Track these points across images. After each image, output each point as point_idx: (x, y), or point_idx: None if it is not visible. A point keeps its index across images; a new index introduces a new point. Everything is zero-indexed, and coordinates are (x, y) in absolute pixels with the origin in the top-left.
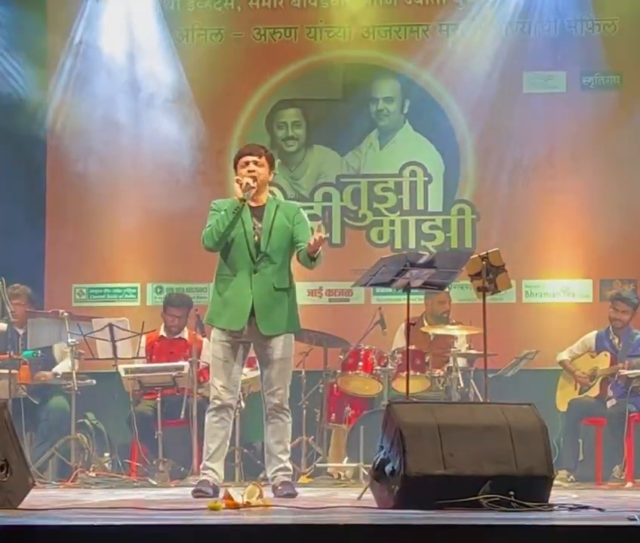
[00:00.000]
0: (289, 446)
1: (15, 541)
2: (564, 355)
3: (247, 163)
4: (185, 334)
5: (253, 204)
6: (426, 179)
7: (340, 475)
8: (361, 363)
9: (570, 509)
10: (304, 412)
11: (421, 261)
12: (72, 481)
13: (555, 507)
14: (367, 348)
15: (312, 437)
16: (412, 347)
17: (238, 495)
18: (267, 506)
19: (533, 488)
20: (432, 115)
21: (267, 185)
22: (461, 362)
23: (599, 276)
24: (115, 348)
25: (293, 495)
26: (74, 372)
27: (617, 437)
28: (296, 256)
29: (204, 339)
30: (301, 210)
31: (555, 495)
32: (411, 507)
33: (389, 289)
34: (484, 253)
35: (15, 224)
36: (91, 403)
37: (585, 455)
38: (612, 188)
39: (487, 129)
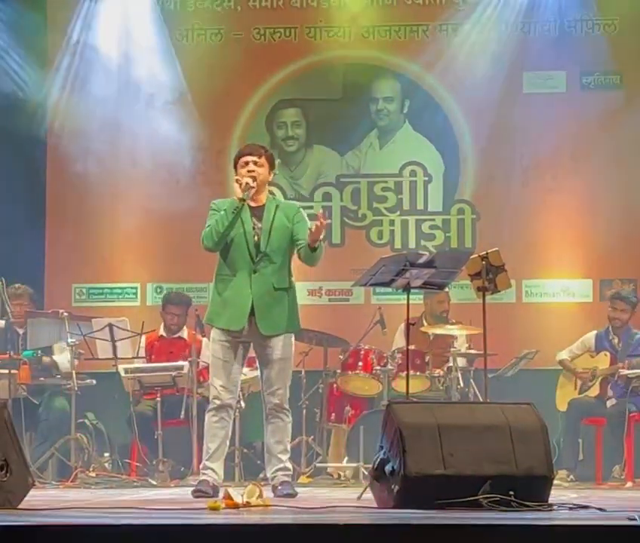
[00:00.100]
0: (289, 446)
1: (15, 541)
2: (563, 355)
3: (246, 163)
4: (184, 334)
5: (252, 204)
6: (426, 178)
7: (339, 475)
8: (360, 363)
9: (570, 509)
10: (304, 411)
11: (421, 261)
12: (72, 481)
13: (555, 507)
14: (367, 347)
15: (312, 437)
16: (412, 347)
17: (238, 495)
18: (267, 506)
19: (533, 488)
20: (432, 115)
21: (267, 185)
22: (461, 362)
23: (599, 276)
24: (115, 347)
25: (293, 494)
26: (74, 371)
27: (617, 437)
28: (297, 254)
29: (204, 339)
30: (301, 209)
31: (555, 495)
32: (411, 507)
33: (389, 289)
34: (484, 252)
35: (15, 224)
36: (91, 403)
37: (585, 454)
38: (612, 188)
39: (487, 129)
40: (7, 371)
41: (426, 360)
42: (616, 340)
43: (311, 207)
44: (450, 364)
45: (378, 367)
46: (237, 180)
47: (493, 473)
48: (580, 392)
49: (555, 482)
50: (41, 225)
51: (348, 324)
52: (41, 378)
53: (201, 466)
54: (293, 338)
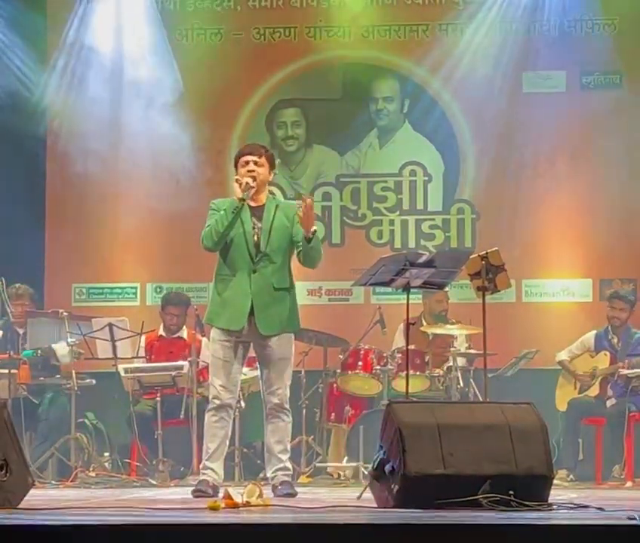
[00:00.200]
0: (289, 446)
1: (15, 541)
2: (563, 355)
3: (247, 162)
4: (184, 334)
5: (252, 204)
6: (426, 178)
7: (339, 475)
8: (360, 363)
9: (570, 509)
10: (304, 411)
11: (421, 260)
12: (71, 481)
13: (555, 507)
14: (366, 347)
15: (312, 437)
16: (412, 346)
17: (238, 494)
18: (267, 505)
19: (533, 487)
20: (432, 115)
21: (267, 184)
22: (461, 361)
23: (599, 276)
24: (114, 347)
25: (292, 494)
26: (74, 371)
27: (617, 437)
28: (297, 257)
29: (204, 339)
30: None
31: (555, 495)
32: (411, 507)
33: (389, 289)
34: (484, 252)
35: (15, 224)
36: (91, 402)
37: (585, 454)
38: (612, 188)
39: (487, 128)
40: (7, 371)
41: (426, 360)
42: (615, 340)
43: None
44: (450, 364)
45: (378, 367)
46: (237, 180)
47: (493, 473)
48: (579, 392)
49: (555, 482)
50: (41, 225)
51: (348, 324)
52: (41, 378)
53: (201, 466)
54: (293, 338)
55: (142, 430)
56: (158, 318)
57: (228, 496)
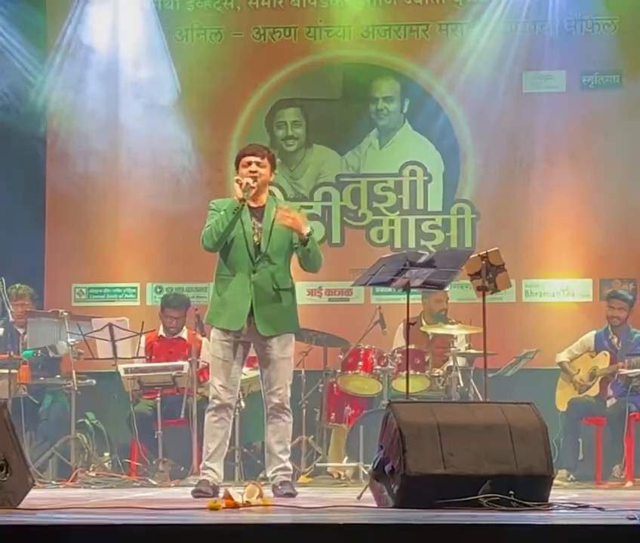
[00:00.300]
0: (289, 446)
1: (15, 541)
2: (563, 356)
3: (249, 163)
4: (184, 334)
5: (253, 205)
6: (426, 178)
7: (339, 475)
8: (360, 363)
9: (570, 508)
10: (304, 411)
11: (421, 260)
12: (71, 481)
13: (555, 507)
14: (366, 347)
15: (312, 437)
16: (412, 346)
17: (238, 494)
18: (267, 505)
19: (533, 487)
20: (432, 115)
21: (267, 185)
22: (461, 361)
23: (599, 275)
24: (114, 347)
25: (293, 494)
26: (74, 371)
27: (617, 436)
28: (298, 262)
29: (204, 339)
30: (301, 211)
31: (555, 495)
32: (411, 507)
33: (389, 289)
34: (484, 252)
35: (15, 224)
36: (91, 402)
37: (585, 454)
38: (612, 188)
39: (487, 128)
40: (7, 371)
41: (426, 360)
42: (615, 339)
43: (311, 207)
44: (450, 364)
45: (378, 367)
46: (237, 180)
47: (493, 473)
48: (579, 392)
49: (555, 481)
50: (41, 225)
51: (348, 324)
52: (41, 378)
53: (201, 466)
54: (293, 338)
55: (142, 430)
56: (158, 318)
57: (228, 496)
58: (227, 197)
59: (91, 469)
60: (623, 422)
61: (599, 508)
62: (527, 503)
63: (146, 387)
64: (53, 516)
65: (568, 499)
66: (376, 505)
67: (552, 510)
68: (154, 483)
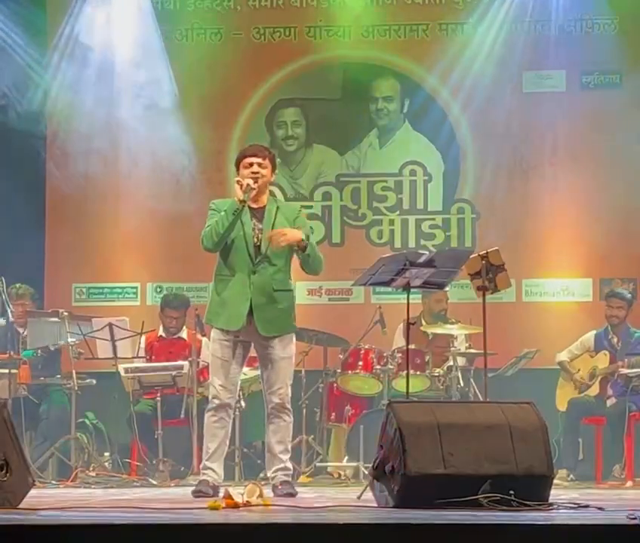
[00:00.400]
0: (290, 446)
1: (15, 541)
2: (563, 356)
3: (251, 164)
4: (184, 334)
5: (253, 205)
6: (426, 178)
7: (339, 474)
8: (360, 363)
9: (570, 508)
10: (304, 411)
11: (421, 260)
12: (72, 481)
13: (555, 507)
14: (366, 347)
15: (312, 437)
16: (412, 346)
17: (238, 494)
18: (267, 505)
19: (533, 487)
20: (432, 114)
21: (268, 186)
22: (461, 361)
23: (599, 275)
24: (114, 347)
25: (293, 494)
26: (74, 371)
27: (617, 436)
28: (300, 265)
29: (204, 339)
30: (302, 212)
31: (555, 495)
32: (411, 507)
33: (389, 289)
34: (484, 252)
35: (15, 224)
36: (91, 402)
37: (585, 454)
38: (612, 188)
39: (487, 128)
40: (7, 371)
41: (426, 360)
42: (615, 339)
43: (311, 207)
44: (450, 364)
45: (378, 367)
46: (238, 181)
47: (493, 473)
48: (579, 391)
49: (555, 481)
50: (41, 225)
51: (348, 324)
52: (41, 378)
53: (201, 466)
54: (294, 338)
55: (142, 430)
56: (158, 318)
57: (228, 496)
58: (227, 198)
59: (91, 469)
60: (623, 422)
61: (599, 508)
62: (528, 503)
63: (146, 387)
64: (53, 516)
65: (568, 499)
66: (376, 505)
67: (552, 510)
68: (154, 482)
